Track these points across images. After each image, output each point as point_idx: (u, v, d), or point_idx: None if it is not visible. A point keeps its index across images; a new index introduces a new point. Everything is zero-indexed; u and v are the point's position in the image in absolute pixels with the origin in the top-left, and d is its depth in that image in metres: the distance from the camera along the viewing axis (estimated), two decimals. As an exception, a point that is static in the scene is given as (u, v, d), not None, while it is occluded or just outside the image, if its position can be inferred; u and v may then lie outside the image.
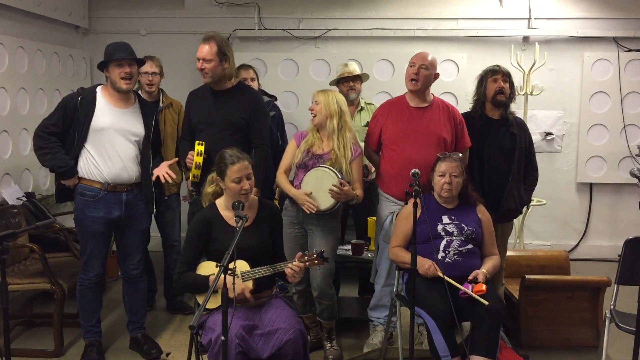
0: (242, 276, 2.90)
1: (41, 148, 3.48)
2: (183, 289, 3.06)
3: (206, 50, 3.60)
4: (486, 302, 3.04)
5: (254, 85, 4.58)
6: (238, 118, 3.66)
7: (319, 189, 3.45)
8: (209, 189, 3.15)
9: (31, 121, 4.95)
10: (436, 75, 3.74)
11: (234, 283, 2.57)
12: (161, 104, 4.36)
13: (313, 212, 3.45)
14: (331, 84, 4.78)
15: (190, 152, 3.62)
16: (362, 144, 4.04)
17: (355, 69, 4.67)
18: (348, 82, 4.60)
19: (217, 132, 3.63)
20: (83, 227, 3.57)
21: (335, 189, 3.39)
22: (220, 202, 3.09)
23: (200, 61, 3.61)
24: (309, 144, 3.61)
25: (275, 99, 4.91)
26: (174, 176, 3.56)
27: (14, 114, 4.73)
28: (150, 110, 3.70)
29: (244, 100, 3.71)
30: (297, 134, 3.73)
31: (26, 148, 4.93)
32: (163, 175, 3.51)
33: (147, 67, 4.28)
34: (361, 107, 4.66)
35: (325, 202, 3.46)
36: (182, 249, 3.09)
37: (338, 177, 3.42)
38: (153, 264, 4.61)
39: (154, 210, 3.75)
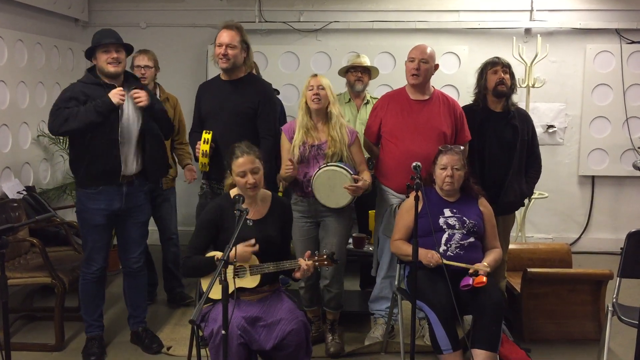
0: (250, 270, 2.91)
1: (65, 116, 3.36)
2: (189, 272, 3.05)
3: (231, 36, 3.59)
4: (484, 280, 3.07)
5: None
6: (246, 107, 3.65)
7: (332, 188, 3.45)
8: (228, 180, 3.13)
9: (31, 115, 4.95)
10: (436, 67, 3.72)
11: (235, 273, 2.56)
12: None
13: (290, 170, 3.45)
14: (340, 72, 4.76)
15: (198, 142, 3.60)
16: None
17: (366, 61, 4.66)
18: (357, 73, 4.59)
19: (225, 122, 3.62)
20: (84, 220, 3.57)
21: (352, 187, 3.40)
22: (234, 193, 3.07)
23: (224, 46, 3.58)
24: (301, 136, 3.55)
25: (278, 92, 4.89)
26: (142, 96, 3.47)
27: (14, 108, 4.72)
28: (134, 84, 3.59)
29: (253, 90, 3.69)
30: (286, 128, 3.67)
31: (26, 142, 4.92)
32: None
33: (140, 61, 4.27)
34: (367, 100, 4.65)
35: (341, 200, 3.46)
36: (192, 234, 3.05)
37: (350, 173, 3.41)
38: (152, 258, 4.61)
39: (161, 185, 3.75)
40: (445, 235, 3.30)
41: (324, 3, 6.05)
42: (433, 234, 3.21)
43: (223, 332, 2.42)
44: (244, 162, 2.96)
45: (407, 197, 3.48)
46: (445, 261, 3.14)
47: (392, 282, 3.66)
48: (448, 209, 3.38)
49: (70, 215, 4.98)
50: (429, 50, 3.66)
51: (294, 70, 6.04)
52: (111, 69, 3.43)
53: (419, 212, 3.06)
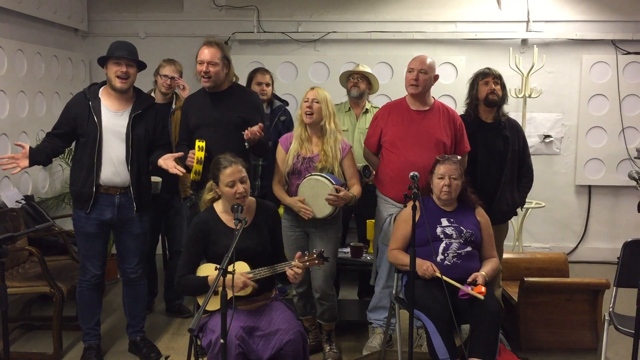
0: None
1: None
2: (184, 292, 3.07)
3: (212, 53, 3.58)
4: (482, 297, 3.07)
5: (268, 90, 4.57)
6: (236, 117, 3.64)
7: (315, 197, 3.46)
8: (208, 196, 3.14)
9: (30, 124, 4.96)
10: (436, 77, 3.74)
11: (233, 283, 2.56)
12: (174, 106, 4.35)
13: (309, 217, 3.46)
14: (340, 80, 4.79)
15: (191, 151, 3.56)
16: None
17: (365, 68, 4.69)
18: (355, 79, 4.62)
19: (215, 132, 3.61)
20: (77, 227, 3.60)
21: (331, 197, 3.40)
22: (218, 206, 3.09)
23: (205, 64, 3.57)
24: (296, 147, 3.58)
25: (287, 103, 4.89)
26: (182, 170, 3.50)
27: (13, 117, 4.73)
28: (146, 102, 3.64)
29: (240, 100, 3.71)
30: (283, 139, 3.69)
31: (25, 151, 4.92)
32: (173, 168, 3.46)
33: (167, 71, 4.31)
34: (366, 109, 4.66)
35: (324, 209, 3.47)
36: (182, 252, 3.09)
37: (332, 183, 3.42)
38: (156, 267, 4.60)
39: (150, 212, 3.72)
40: (442, 245, 3.32)
41: (323, 13, 6.09)
42: (430, 243, 3.22)
43: (221, 341, 2.43)
44: (232, 172, 2.97)
45: (405, 206, 3.50)
46: (439, 274, 3.15)
47: (391, 293, 3.66)
48: (445, 219, 3.40)
49: (69, 225, 4.95)
50: (428, 61, 3.68)
51: (293, 80, 6.07)
52: (118, 84, 3.45)
53: (417, 222, 3.07)
